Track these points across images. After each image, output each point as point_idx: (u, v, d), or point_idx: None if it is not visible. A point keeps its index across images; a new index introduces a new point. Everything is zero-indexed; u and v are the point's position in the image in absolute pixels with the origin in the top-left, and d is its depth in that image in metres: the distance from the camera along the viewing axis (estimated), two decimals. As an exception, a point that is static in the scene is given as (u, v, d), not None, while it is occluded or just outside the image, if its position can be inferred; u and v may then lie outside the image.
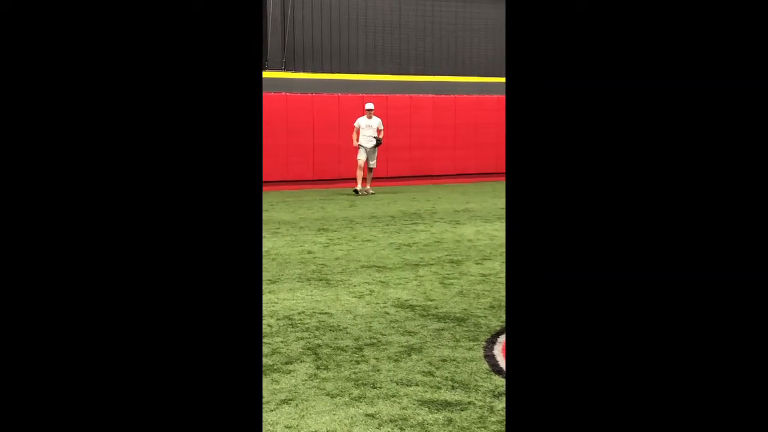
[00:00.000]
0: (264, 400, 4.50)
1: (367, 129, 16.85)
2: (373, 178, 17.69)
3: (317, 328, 6.09)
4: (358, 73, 20.65)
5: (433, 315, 6.53)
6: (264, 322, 6.28)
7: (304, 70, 20.15)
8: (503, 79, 20.96)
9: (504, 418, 4.23)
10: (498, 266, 8.75)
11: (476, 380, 4.86)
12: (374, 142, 16.81)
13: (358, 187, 16.81)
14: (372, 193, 16.87)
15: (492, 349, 5.56)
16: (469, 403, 4.46)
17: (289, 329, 6.07)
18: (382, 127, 16.98)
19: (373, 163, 17.04)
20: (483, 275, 8.23)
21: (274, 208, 14.61)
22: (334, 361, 5.25)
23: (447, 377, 4.91)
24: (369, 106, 16.92)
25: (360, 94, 19.34)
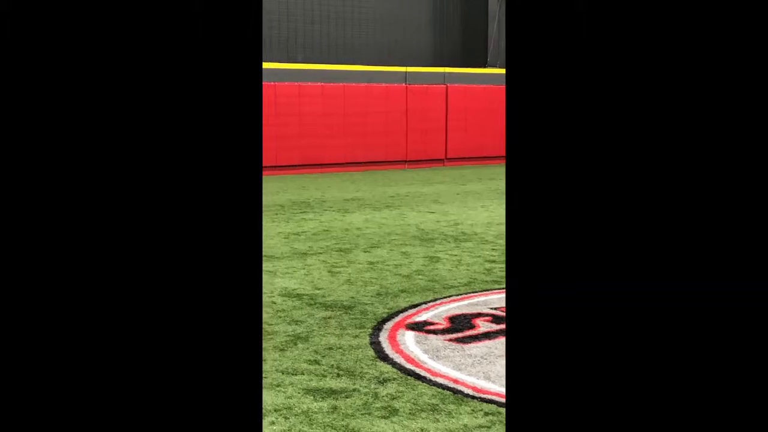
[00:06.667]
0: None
1: None
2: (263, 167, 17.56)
3: (203, 320, 6.03)
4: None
5: (321, 303, 6.54)
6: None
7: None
8: (391, 68, 21.07)
9: (388, 404, 4.28)
10: (386, 254, 8.82)
11: (361, 367, 4.90)
12: None
13: None
14: None
15: (378, 336, 5.61)
16: (354, 390, 4.49)
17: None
18: None
19: None
20: (371, 263, 8.29)
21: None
22: (219, 352, 5.21)
23: (332, 365, 4.94)
24: None
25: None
